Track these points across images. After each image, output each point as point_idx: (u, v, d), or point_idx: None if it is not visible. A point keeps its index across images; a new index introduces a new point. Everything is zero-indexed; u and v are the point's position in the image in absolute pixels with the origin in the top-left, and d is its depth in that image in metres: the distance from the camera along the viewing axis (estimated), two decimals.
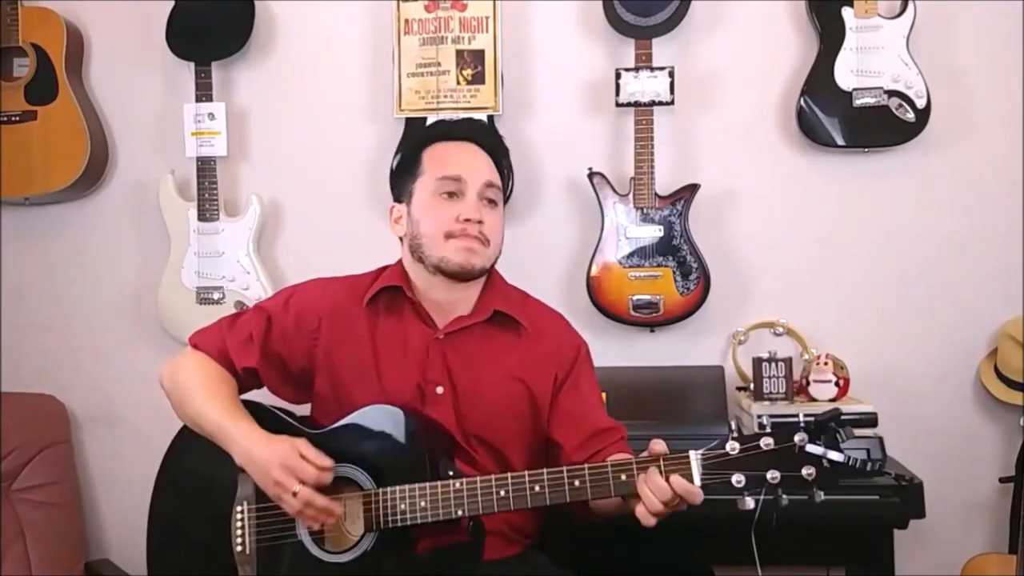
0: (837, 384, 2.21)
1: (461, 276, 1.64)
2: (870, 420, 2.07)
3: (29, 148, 2.46)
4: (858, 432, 2.03)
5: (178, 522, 1.66)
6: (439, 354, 1.65)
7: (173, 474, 1.69)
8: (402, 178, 1.71)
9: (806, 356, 2.33)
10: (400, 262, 1.72)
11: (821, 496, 1.35)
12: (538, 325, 1.71)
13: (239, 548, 1.57)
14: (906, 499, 1.92)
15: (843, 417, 1.39)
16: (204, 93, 2.44)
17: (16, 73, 2.51)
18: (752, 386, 2.26)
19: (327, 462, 1.48)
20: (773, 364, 2.22)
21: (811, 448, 1.34)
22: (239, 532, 1.58)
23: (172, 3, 2.45)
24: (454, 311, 1.67)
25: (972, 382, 2.40)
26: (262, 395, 1.72)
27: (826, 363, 2.22)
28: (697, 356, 2.42)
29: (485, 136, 1.72)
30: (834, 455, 1.34)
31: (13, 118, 2.46)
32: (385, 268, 1.75)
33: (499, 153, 1.72)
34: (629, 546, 1.83)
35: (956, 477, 2.36)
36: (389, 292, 1.68)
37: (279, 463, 1.47)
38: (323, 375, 1.68)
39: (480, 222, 1.61)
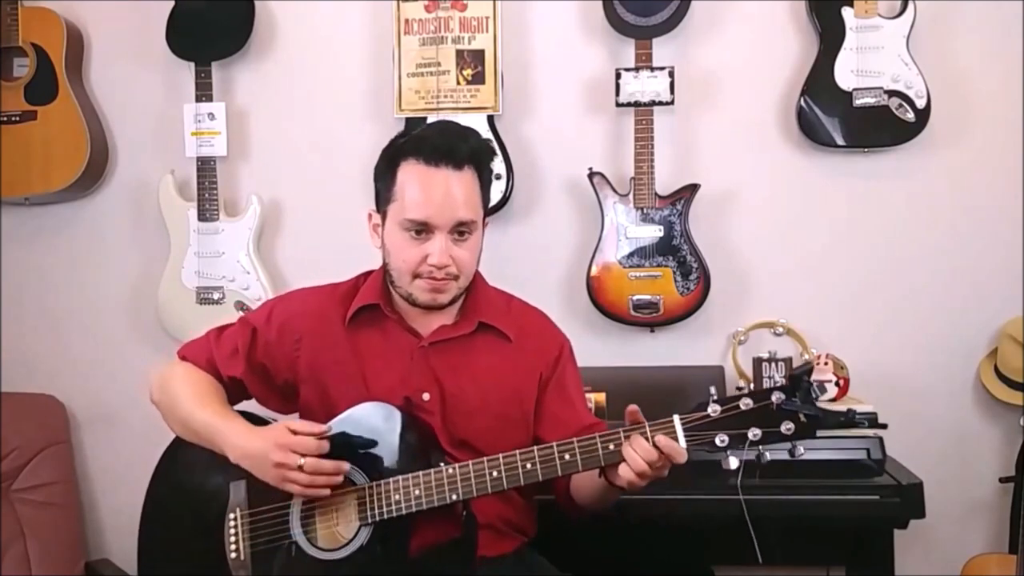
0: (837, 384, 2.21)
1: (432, 308, 1.64)
2: (870, 420, 2.07)
3: (29, 148, 2.46)
4: (858, 432, 2.04)
5: (170, 532, 1.66)
6: (424, 361, 1.64)
7: (164, 485, 1.68)
8: (379, 186, 1.65)
9: (806, 356, 2.33)
10: (382, 271, 1.70)
11: (802, 450, 1.40)
12: (522, 329, 1.70)
13: (233, 555, 1.57)
14: (906, 499, 1.93)
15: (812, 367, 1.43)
16: (204, 93, 2.44)
17: (16, 73, 2.51)
18: (752, 386, 2.26)
19: (321, 427, 1.50)
20: (773, 364, 2.23)
21: (788, 404, 1.40)
22: (233, 538, 1.57)
23: (172, 3, 2.45)
24: (437, 320, 1.67)
25: (972, 382, 2.40)
26: (252, 406, 1.72)
27: (826, 363, 2.22)
28: (697, 356, 2.42)
29: (463, 148, 1.59)
30: (810, 409, 1.39)
31: (13, 118, 2.46)
32: (368, 274, 1.74)
33: (482, 161, 1.63)
34: (629, 546, 1.83)
35: (956, 477, 2.36)
36: (368, 308, 1.67)
37: (274, 445, 1.48)
38: (308, 386, 1.67)
39: (448, 265, 1.57)
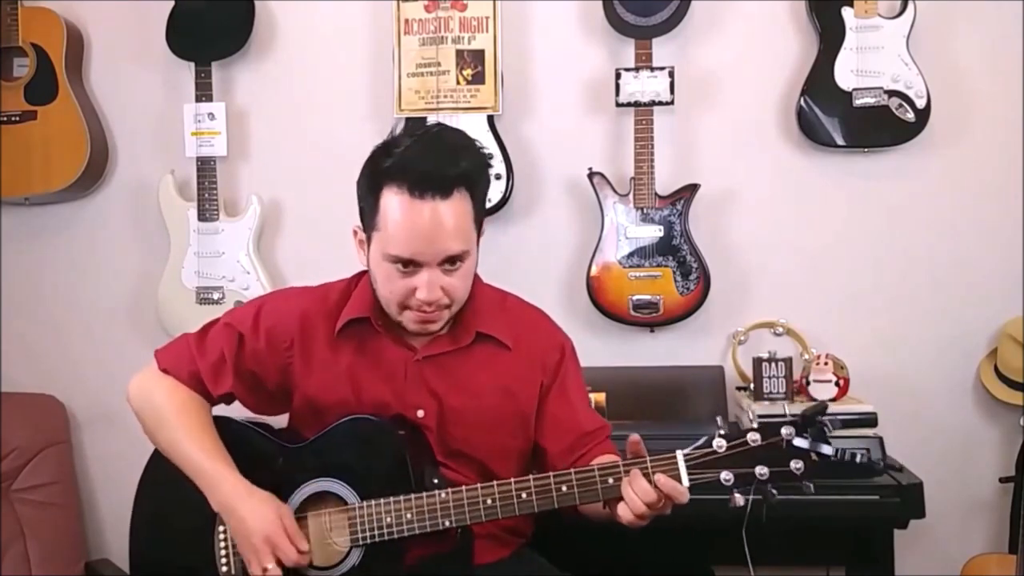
0: (837, 384, 2.21)
1: (423, 335, 1.57)
2: (870, 420, 2.07)
3: (29, 148, 2.46)
4: (858, 432, 2.04)
5: (159, 544, 1.63)
6: (418, 376, 1.58)
7: (152, 495, 1.65)
8: (362, 205, 1.52)
9: (806, 356, 2.33)
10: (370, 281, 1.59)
11: (811, 489, 1.34)
12: (521, 334, 1.62)
13: (224, 568, 1.54)
14: (906, 499, 1.93)
15: (842, 418, 1.39)
16: (204, 93, 2.44)
17: (16, 73, 2.51)
18: (752, 386, 2.25)
19: (305, 546, 1.47)
20: (773, 364, 2.22)
21: (798, 442, 1.34)
22: (223, 552, 1.55)
23: (172, 3, 2.45)
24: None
25: (972, 382, 2.40)
26: (236, 410, 1.68)
27: (826, 363, 2.22)
28: (697, 356, 2.42)
29: (451, 173, 1.44)
30: (823, 448, 1.33)
31: (13, 118, 2.46)
32: (360, 277, 1.64)
33: (474, 180, 1.49)
34: (629, 546, 1.83)
35: (956, 477, 2.36)
36: (358, 320, 1.59)
37: (264, 535, 1.44)
38: (299, 393, 1.61)
39: (439, 298, 1.48)
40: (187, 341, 1.64)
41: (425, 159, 1.45)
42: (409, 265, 1.46)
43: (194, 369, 1.61)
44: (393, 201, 1.44)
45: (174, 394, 1.60)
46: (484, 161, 1.53)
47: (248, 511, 1.47)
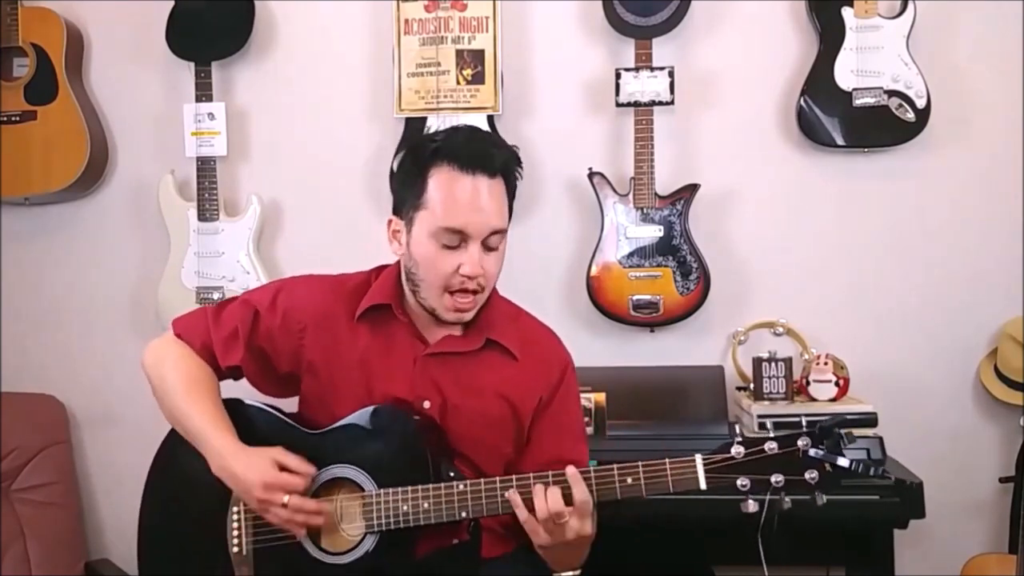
0: (837, 384, 2.21)
1: (453, 323, 1.61)
2: (870, 420, 2.07)
3: (29, 148, 2.46)
4: (858, 432, 2.04)
5: (170, 524, 1.64)
6: (426, 369, 1.61)
7: (164, 475, 1.66)
8: (404, 192, 1.57)
9: (806, 356, 2.33)
10: (396, 271, 1.65)
11: (823, 499, 1.38)
12: (528, 347, 1.66)
13: (235, 549, 1.56)
14: (906, 499, 1.93)
15: (845, 419, 1.41)
16: (204, 93, 2.44)
17: (16, 73, 2.51)
18: (752, 386, 2.26)
19: (309, 468, 1.49)
20: (773, 364, 2.23)
21: (814, 452, 1.37)
22: (235, 533, 1.57)
23: (172, 3, 2.45)
24: (444, 329, 1.63)
25: (972, 382, 2.40)
26: (254, 393, 1.70)
27: (826, 363, 2.22)
28: (697, 356, 2.42)
29: (496, 157, 1.54)
30: (838, 460, 1.37)
31: (13, 118, 2.46)
32: (381, 269, 1.70)
33: (511, 171, 1.57)
34: (629, 546, 1.83)
35: (956, 477, 2.36)
36: (378, 308, 1.63)
37: (261, 484, 1.46)
38: (309, 379, 1.65)
39: (480, 275, 1.54)
40: (204, 313, 1.68)
41: (470, 143, 1.55)
42: (455, 238, 1.52)
43: (207, 340, 1.65)
44: (443, 177, 1.52)
45: (183, 362, 1.63)
46: (518, 158, 1.60)
47: (242, 468, 1.49)
